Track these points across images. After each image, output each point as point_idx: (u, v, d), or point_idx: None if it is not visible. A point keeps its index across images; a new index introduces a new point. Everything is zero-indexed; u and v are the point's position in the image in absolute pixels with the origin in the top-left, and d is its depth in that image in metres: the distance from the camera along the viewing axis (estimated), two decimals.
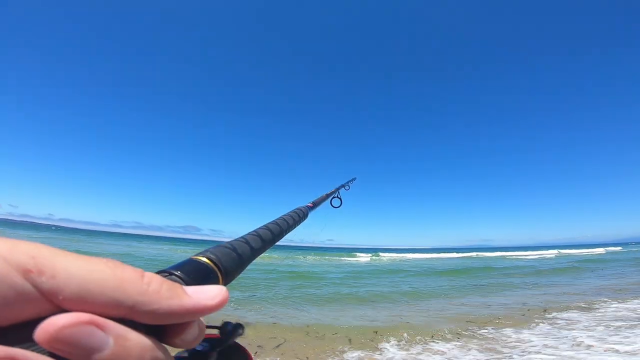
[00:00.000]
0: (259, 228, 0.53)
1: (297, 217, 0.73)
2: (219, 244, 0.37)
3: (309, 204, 0.94)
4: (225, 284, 0.32)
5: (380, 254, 37.05)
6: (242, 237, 0.44)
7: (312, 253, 36.99)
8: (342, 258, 29.66)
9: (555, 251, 39.56)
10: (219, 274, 0.31)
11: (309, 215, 0.85)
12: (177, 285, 0.21)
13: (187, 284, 0.25)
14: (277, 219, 0.63)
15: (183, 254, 21.98)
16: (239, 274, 0.37)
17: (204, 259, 0.31)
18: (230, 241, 0.41)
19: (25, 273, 0.16)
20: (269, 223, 0.58)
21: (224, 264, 0.32)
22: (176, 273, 0.26)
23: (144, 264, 14.99)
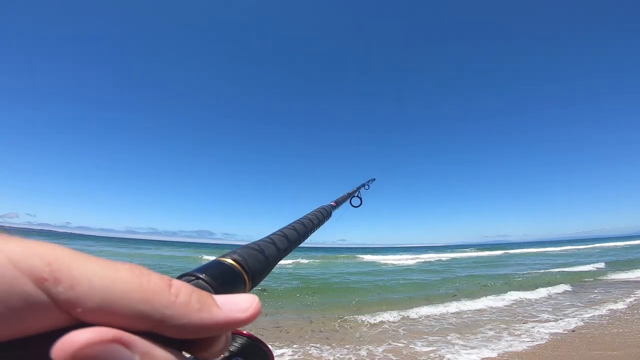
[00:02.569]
0: (285, 227, 0.50)
1: (322, 216, 0.71)
2: (245, 245, 0.35)
3: (332, 203, 0.92)
4: (252, 287, 0.30)
5: (417, 255, 34.99)
6: (268, 237, 0.42)
7: (341, 255, 34.81)
8: (386, 261, 26.19)
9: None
10: (245, 277, 0.29)
11: (332, 215, 0.82)
12: (206, 295, 0.19)
13: (214, 287, 0.24)
14: (302, 218, 0.61)
15: (203, 257, 23.09)
16: (266, 276, 0.35)
17: (230, 261, 0.29)
18: (257, 241, 0.39)
19: (39, 281, 0.15)
20: (294, 222, 0.55)
21: (251, 266, 0.31)
22: (202, 276, 0.24)
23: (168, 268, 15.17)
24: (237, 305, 0.19)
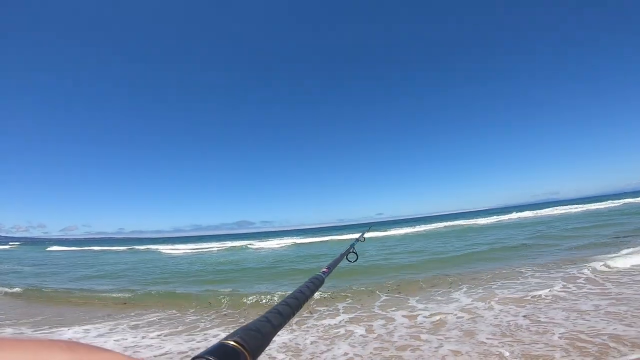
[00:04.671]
0: (279, 304, 0.57)
1: (314, 286, 0.76)
2: (243, 326, 0.42)
3: (324, 269, 1.01)
4: None
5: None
6: (263, 316, 0.49)
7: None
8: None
9: None
10: (247, 355, 0.35)
11: (324, 281, 0.88)
12: None
13: None
14: (295, 291, 0.67)
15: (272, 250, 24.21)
16: (263, 350, 0.41)
17: (233, 343, 0.35)
18: (254, 321, 0.45)
19: None
20: (287, 297, 0.62)
21: (251, 345, 0.37)
22: (210, 358, 0.31)
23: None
24: None
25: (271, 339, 0.44)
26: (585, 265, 6.93)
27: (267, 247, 26.38)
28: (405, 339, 4.03)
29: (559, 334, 3.70)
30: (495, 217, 35.29)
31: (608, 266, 6.64)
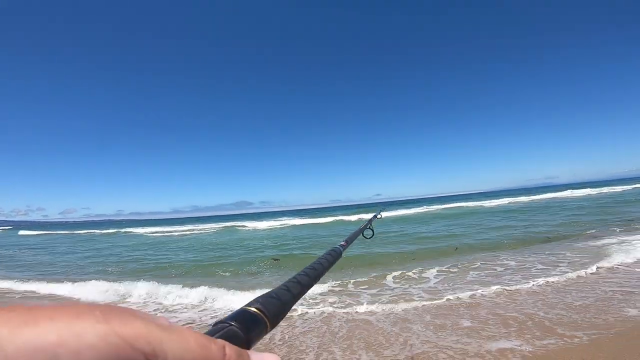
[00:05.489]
0: (298, 274, 0.57)
1: (332, 258, 0.77)
2: (264, 294, 0.42)
3: (343, 243, 1.02)
4: (271, 329, 0.37)
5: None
6: (283, 285, 0.49)
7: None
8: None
9: None
10: (267, 322, 0.36)
11: (342, 254, 0.89)
12: (247, 358, 0.24)
13: (244, 332, 0.31)
14: (314, 262, 0.68)
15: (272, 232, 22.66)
16: (283, 317, 0.41)
17: (254, 309, 0.36)
18: (274, 290, 0.45)
19: (146, 356, 0.18)
20: (306, 267, 0.62)
21: (270, 312, 0.37)
22: (234, 324, 0.31)
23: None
24: None
25: (290, 308, 0.44)
26: None
27: (261, 228, 25.17)
28: None
29: None
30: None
31: None
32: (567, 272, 5.31)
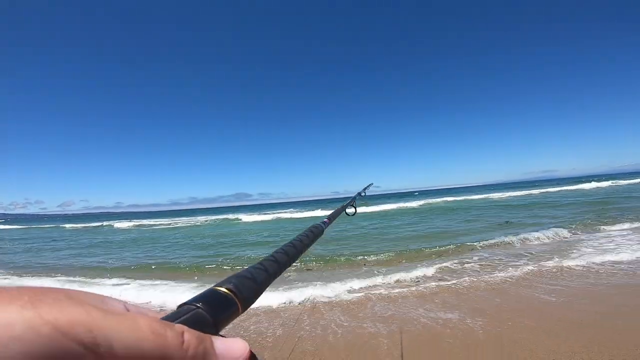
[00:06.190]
0: (276, 251, 0.53)
1: (312, 235, 0.73)
2: (238, 273, 0.38)
3: (325, 220, 0.96)
4: (243, 311, 0.33)
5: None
6: (259, 263, 0.45)
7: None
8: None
9: None
10: (238, 303, 0.32)
11: (324, 232, 0.84)
12: (209, 346, 0.22)
13: (211, 315, 0.27)
14: (293, 239, 0.64)
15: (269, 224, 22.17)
16: (257, 299, 0.37)
17: (225, 290, 0.32)
18: (249, 268, 0.41)
19: (87, 346, 0.16)
20: (285, 245, 0.58)
21: (243, 293, 0.34)
22: (200, 306, 0.27)
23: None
24: (231, 353, 0.23)
25: (265, 288, 0.41)
26: None
27: (253, 220, 25.00)
28: None
29: None
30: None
31: None
32: None
